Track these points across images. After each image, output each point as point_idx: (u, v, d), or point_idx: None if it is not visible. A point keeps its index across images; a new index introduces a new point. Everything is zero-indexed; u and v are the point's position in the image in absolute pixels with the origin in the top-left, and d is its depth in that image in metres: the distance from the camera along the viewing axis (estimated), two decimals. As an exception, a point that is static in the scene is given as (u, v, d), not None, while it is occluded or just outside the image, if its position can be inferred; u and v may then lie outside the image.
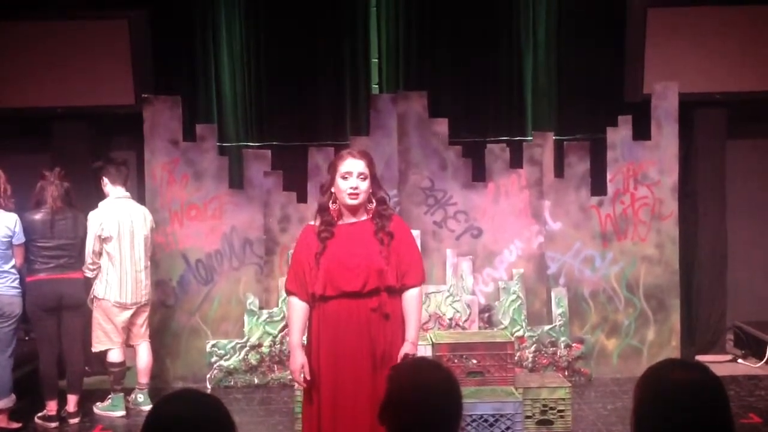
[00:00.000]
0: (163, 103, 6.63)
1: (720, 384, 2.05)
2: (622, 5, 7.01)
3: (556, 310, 6.46)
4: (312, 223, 3.77)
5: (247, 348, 6.46)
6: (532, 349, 6.40)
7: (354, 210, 3.69)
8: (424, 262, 3.90)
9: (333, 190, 3.69)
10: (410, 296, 3.70)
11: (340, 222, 3.70)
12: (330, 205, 3.70)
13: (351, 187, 3.63)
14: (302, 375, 3.63)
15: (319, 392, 3.62)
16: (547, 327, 6.44)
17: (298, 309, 3.70)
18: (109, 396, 5.86)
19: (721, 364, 6.82)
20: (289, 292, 3.74)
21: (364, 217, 3.71)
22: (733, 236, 7.40)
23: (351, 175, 3.65)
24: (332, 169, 3.73)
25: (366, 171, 3.67)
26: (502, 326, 6.38)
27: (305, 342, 3.77)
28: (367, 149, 4.80)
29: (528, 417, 5.22)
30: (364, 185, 3.66)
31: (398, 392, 2.24)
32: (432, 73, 7.36)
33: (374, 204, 3.71)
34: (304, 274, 3.67)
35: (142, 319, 5.91)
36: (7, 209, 5.49)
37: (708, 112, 7.16)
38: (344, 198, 3.65)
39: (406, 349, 3.60)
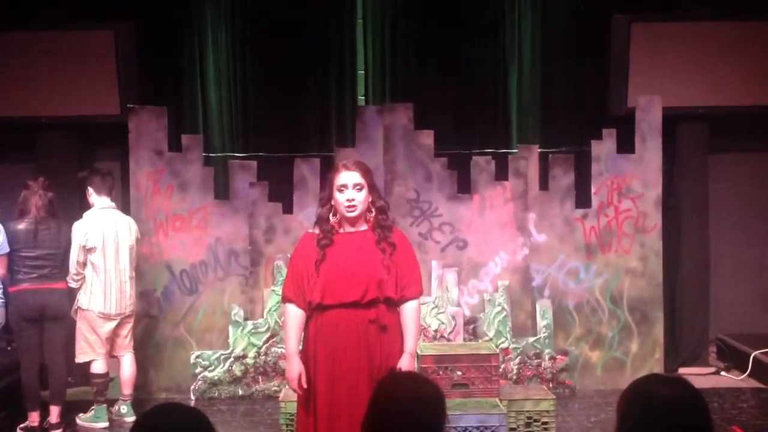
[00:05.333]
0: (148, 113, 6.62)
1: (702, 399, 2.07)
2: (606, 20, 7.06)
3: (540, 322, 6.48)
4: (311, 230, 3.77)
5: (232, 359, 6.44)
6: (517, 360, 6.42)
7: (353, 220, 3.69)
8: None
9: (333, 203, 3.69)
10: (409, 308, 3.70)
11: (340, 231, 3.69)
12: (330, 217, 3.70)
13: (347, 200, 3.63)
14: (299, 383, 3.62)
15: (315, 401, 3.61)
16: (531, 339, 6.46)
17: (294, 317, 3.68)
18: (92, 407, 5.83)
19: (704, 376, 6.86)
20: (286, 300, 3.71)
21: (364, 227, 3.71)
22: (716, 249, 7.46)
23: (347, 188, 3.64)
24: (329, 182, 3.73)
25: (362, 181, 3.66)
26: (487, 338, 6.40)
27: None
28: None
29: (512, 429, 5.24)
30: (361, 196, 3.65)
31: (380, 406, 2.24)
32: (418, 86, 7.41)
33: (374, 213, 3.71)
34: (302, 282, 3.66)
35: (126, 329, 5.88)
36: (-9, 219, 5.47)
37: (690, 126, 7.22)
38: (343, 211, 3.65)
39: (403, 361, 3.61)
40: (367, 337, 3.59)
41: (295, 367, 3.62)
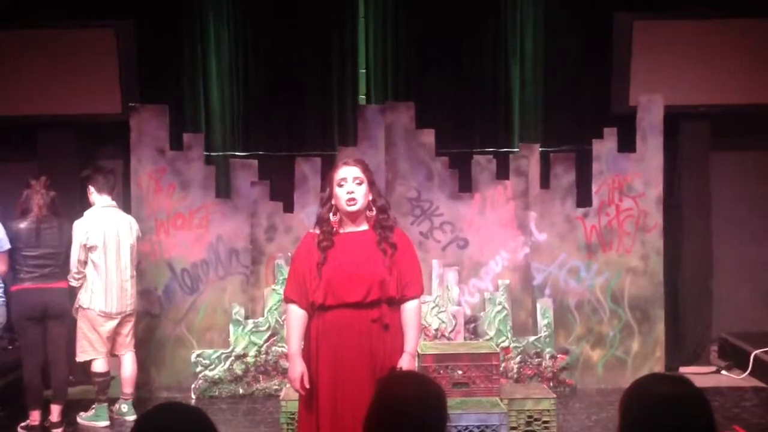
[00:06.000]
0: (150, 111, 6.62)
1: (704, 398, 2.07)
2: (608, 18, 7.06)
3: (541, 321, 6.48)
4: (312, 230, 3.77)
5: (233, 358, 6.44)
6: (518, 359, 6.42)
7: (354, 218, 3.68)
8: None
9: (333, 201, 3.69)
10: (410, 308, 3.70)
11: (341, 231, 3.69)
12: (330, 217, 3.69)
13: (348, 192, 3.63)
14: (301, 383, 3.62)
15: (317, 400, 3.62)
16: (532, 338, 6.46)
17: (297, 317, 3.68)
18: (93, 406, 5.83)
19: (706, 375, 6.86)
20: (288, 300, 3.72)
21: (365, 227, 3.70)
22: (718, 248, 7.45)
23: (346, 182, 3.65)
24: (329, 180, 3.74)
25: (362, 176, 3.67)
26: (488, 337, 6.40)
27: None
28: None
29: (513, 428, 5.24)
30: (361, 190, 3.65)
31: (382, 405, 2.24)
32: (419, 85, 7.40)
33: (375, 212, 3.70)
34: (305, 283, 3.66)
35: (127, 328, 5.88)
36: (-9, 217, 5.47)
37: (692, 125, 7.21)
38: (343, 205, 3.65)
39: (404, 360, 3.61)
40: (369, 336, 3.60)
41: (297, 368, 3.62)
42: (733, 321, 7.59)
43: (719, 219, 7.50)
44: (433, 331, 6.37)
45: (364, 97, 7.33)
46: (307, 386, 3.61)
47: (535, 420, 5.30)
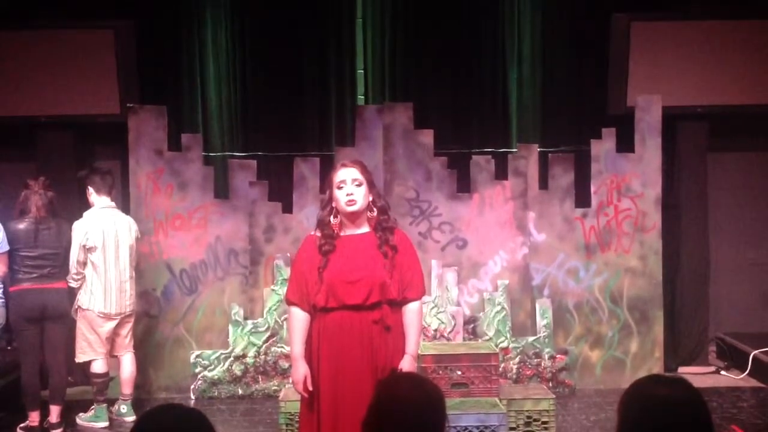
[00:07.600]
0: (148, 112, 6.62)
1: (702, 399, 2.08)
2: (606, 19, 7.06)
3: (540, 322, 6.48)
4: (313, 232, 3.77)
5: (232, 359, 6.44)
6: (517, 360, 6.42)
7: (354, 219, 3.69)
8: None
9: (333, 204, 3.70)
10: (411, 309, 3.70)
11: (342, 234, 3.69)
12: (331, 220, 3.69)
13: (347, 194, 3.64)
14: (304, 385, 3.62)
15: (319, 401, 3.62)
16: (531, 338, 6.46)
17: (299, 320, 3.69)
18: (92, 407, 5.83)
19: (704, 375, 6.87)
20: (290, 303, 3.72)
21: (366, 229, 3.71)
22: (716, 248, 7.46)
23: (345, 184, 3.66)
24: (328, 183, 3.74)
25: (360, 177, 3.67)
26: (487, 337, 6.40)
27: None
28: (353, 160, 4.79)
29: (512, 428, 5.25)
30: (361, 191, 3.66)
31: (381, 406, 2.25)
32: (418, 85, 7.40)
33: (375, 213, 3.71)
34: (306, 285, 3.66)
35: (127, 329, 5.88)
36: (-10, 218, 5.46)
37: (690, 125, 7.22)
38: (343, 207, 3.65)
39: (404, 362, 3.61)
40: (370, 337, 3.60)
41: (300, 370, 3.63)
42: (731, 321, 7.60)
43: (717, 219, 7.52)
44: (432, 332, 6.37)
45: (362, 97, 7.33)
46: (310, 388, 3.62)
47: (534, 420, 5.30)
